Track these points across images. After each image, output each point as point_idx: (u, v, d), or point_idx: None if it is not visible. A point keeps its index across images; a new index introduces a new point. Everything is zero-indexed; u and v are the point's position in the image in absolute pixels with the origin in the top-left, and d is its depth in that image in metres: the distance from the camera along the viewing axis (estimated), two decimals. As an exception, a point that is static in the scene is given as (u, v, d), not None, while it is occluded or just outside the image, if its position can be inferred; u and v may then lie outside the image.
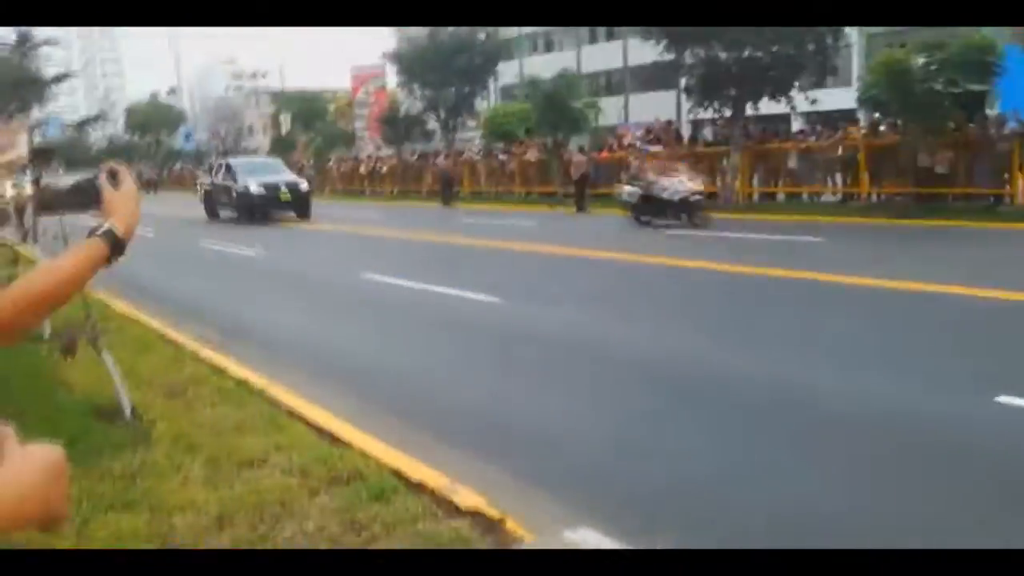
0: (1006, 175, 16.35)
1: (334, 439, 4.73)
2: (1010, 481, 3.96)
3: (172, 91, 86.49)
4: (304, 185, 23.30)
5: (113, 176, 1.50)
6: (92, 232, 1.46)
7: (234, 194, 22.59)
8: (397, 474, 4.12)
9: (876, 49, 28.14)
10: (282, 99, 58.82)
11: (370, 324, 8.74)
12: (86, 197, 1.52)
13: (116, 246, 1.45)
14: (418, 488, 3.98)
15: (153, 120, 65.54)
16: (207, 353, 7.04)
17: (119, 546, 3.42)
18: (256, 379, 6.06)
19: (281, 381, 6.06)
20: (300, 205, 22.43)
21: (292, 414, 5.22)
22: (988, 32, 21.27)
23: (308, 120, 50.08)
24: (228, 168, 23.96)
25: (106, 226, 1.45)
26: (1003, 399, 4.93)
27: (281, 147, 52.42)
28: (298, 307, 9.87)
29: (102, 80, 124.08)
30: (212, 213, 24.32)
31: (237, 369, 6.42)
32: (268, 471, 4.24)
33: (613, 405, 5.54)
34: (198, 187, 27.12)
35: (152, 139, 63.26)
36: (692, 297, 9.48)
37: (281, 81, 65.04)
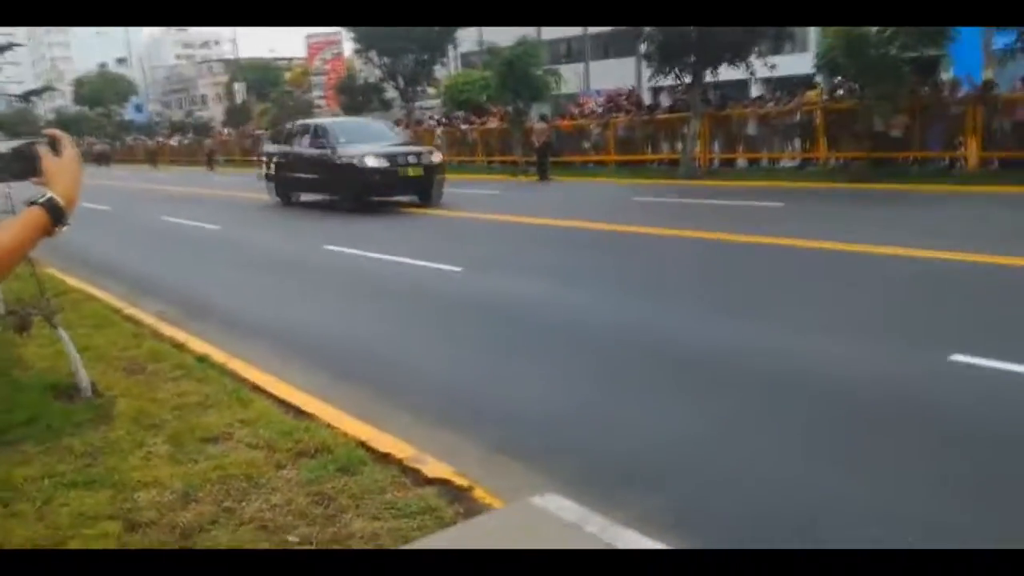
0: (960, 139, 16.64)
1: (299, 412, 4.71)
2: (962, 438, 4.06)
3: (121, 61, 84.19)
4: (437, 157, 16.95)
5: (54, 144, 1.46)
6: (32, 201, 1.41)
7: (333, 169, 16.14)
8: (363, 446, 4.12)
9: (833, 14, 28.27)
10: (236, 68, 57.68)
11: (332, 295, 8.67)
12: (27, 164, 1.47)
13: (57, 215, 1.41)
14: (385, 459, 3.98)
15: (103, 91, 63.94)
16: (167, 328, 6.94)
17: (82, 526, 3.38)
18: (218, 354, 6.00)
19: (244, 355, 6.00)
20: (427, 185, 16.11)
21: (256, 388, 5.18)
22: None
23: (263, 89, 49.27)
24: (316, 132, 17.34)
25: (47, 195, 1.41)
26: (958, 358, 5.06)
27: (236, 117, 51.51)
28: (260, 279, 9.75)
29: (48, 50, 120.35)
30: (285, 194, 18.27)
31: (198, 344, 6.34)
32: (233, 446, 4.21)
33: (573, 369, 5.57)
34: (262, 160, 19.70)
35: (103, 111, 61.65)
36: (653, 264, 9.54)
37: (235, 50, 63.68)
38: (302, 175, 17.39)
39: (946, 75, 19.96)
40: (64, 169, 1.45)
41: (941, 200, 13.40)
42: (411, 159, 15.99)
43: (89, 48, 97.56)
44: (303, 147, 17.40)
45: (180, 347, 6.24)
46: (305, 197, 17.97)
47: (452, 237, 12.57)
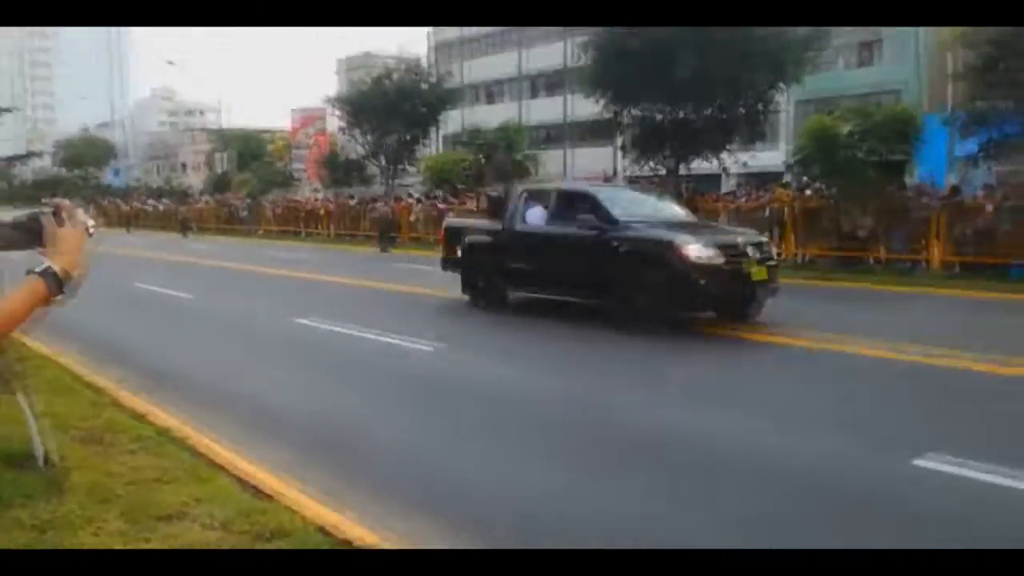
0: (924, 241, 17.10)
1: (258, 492, 4.61)
2: (916, 540, 4.06)
3: (104, 125, 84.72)
4: (774, 250, 11.97)
5: (58, 214, 1.47)
6: (31, 270, 1.41)
7: (615, 260, 10.29)
8: (323, 531, 4.02)
9: (805, 115, 29.38)
10: (219, 137, 58.25)
11: (302, 371, 8.58)
12: (30, 235, 1.47)
13: (56, 285, 1.41)
14: (347, 546, 3.88)
15: (84, 154, 64.02)
16: (127, 398, 6.81)
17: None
18: (179, 427, 5.89)
19: (206, 430, 5.89)
20: (762, 291, 10.46)
21: (215, 465, 5.07)
22: (909, 104, 22.45)
23: (245, 159, 49.65)
24: (570, 199, 11.49)
25: (46, 264, 1.42)
26: (922, 462, 5.09)
27: (216, 185, 51.76)
28: (228, 352, 9.64)
29: (32, 112, 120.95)
30: (493, 291, 12.11)
31: (158, 415, 6.22)
32: (187, 525, 4.09)
33: (552, 452, 5.52)
34: (446, 241, 13.49)
35: (81, 173, 61.65)
36: (619, 354, 9.58)
37: (219, 120, 64.48)
38: (539, 265, 11.60)
39: (910, 178, 20.67)
40: (66, 240, 1.45)
41: (905, 300, 13.68)
42: (752, 251, 10.27)
43: (73, 111, 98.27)
44: (536, 221, 11.71)
45: (140, 418, 6.12)
46: (524, 288, 12.24)
47: (430, 315, 12.55)
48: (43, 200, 1.52)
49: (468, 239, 12.73)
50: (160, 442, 5.47)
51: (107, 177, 66.04)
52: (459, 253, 12.81)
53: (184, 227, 38.78)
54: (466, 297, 12.52)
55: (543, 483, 5.03)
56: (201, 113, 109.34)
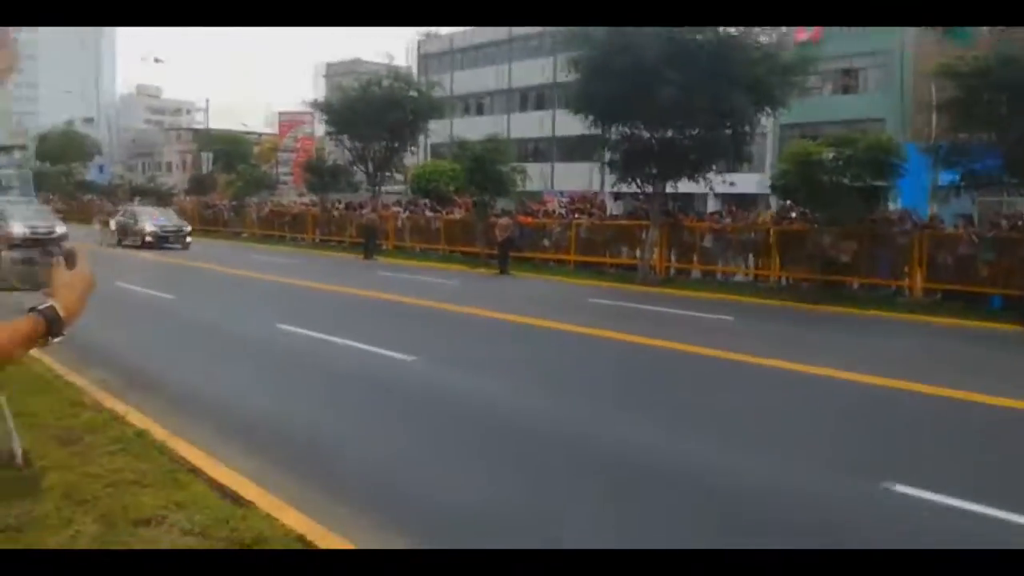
0: (905, 268, 17.29)
1: (237, 499, 4.58)
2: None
3: (88, 121, 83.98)
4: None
5: (70, 259, 1.48)
6: (34, 307, 1.42)
7: None
8: (302, 540, 4.01)
9: (789, 139, 29.70)
10: (205, 138, 57.91)
11: (284, 377, 8.54)
12: (39, 275, 1.49)
13: (54, 326, 1.41)
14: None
15: (66, 149, 63.33)
16: (107, 398, 6.75)
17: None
18: (157, 429, 5.84)
19: (184, 432, 5.85)
20: None
21: (194, 470, 5.04)
22: (892, 132, 22.74)
23: (230, 161, 49.33)
24: None
25: (48, 303, 1.42)
26: (893, 486, 5.14)
27: (200, 186, 51.40)
28: (209, 355, 9.58)
29: (15, 104, 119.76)
30: None
31: (137, 417, 6.17)
32: (166, 530, 4.07)
33: (520, 469, 5.53)
34: None
35: (63, 168, 61.01)
36: (601, 369, 9.61)
37: (205, 120, 64.11)
38: None
39: (893, 205, 20.90)
40: (72, 284, 1.46)
41: (886, 326, 13.82)
42: None
43: (56, 105, 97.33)
44: None
45: (119, 419, 6.06)
46: None
47: (412, 325, 12.55)
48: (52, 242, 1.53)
49: None
50: (139, 444, 5.43)
51: (91, 173, 65.37)
52: None
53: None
54: None
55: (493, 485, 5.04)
56: (187, 112, 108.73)
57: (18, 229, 21.41)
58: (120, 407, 6.47)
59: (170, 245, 27.78)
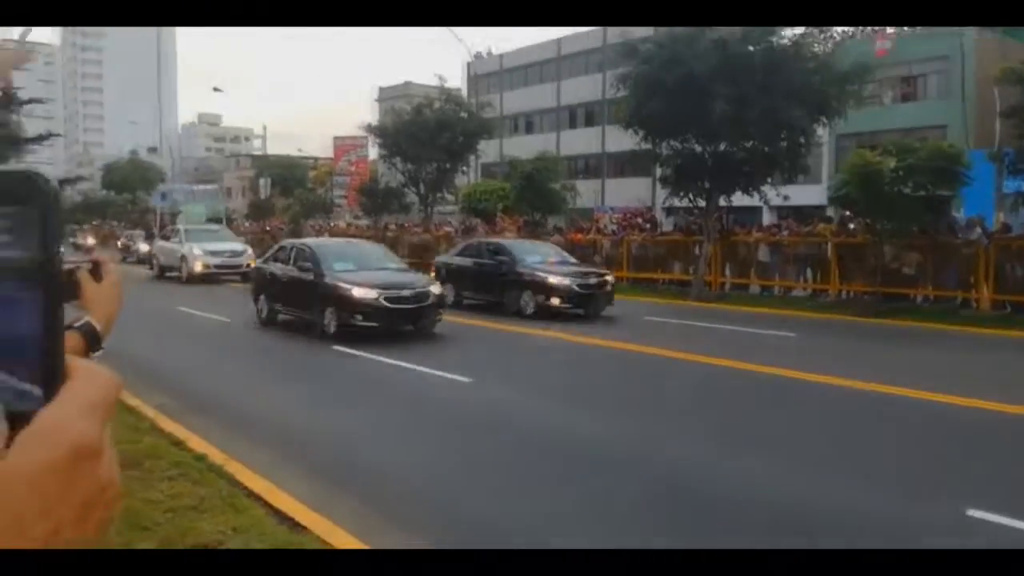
0: (972, 279, 16.70)
1: (295, 524, 4.58)
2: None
3: (152, 150, 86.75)
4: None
5: (97, 269, 1.45)
6: (70, 325, 1.40)
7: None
8: (358, 566, 3.98)
9: (846, 149, 29.09)
10: (263, 163, 59.24)
11: (343, 397, 8.59)
12: (68, 288, 1.46)
13: (93, 341, 1.39)
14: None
15: (131, 178, 65.48)
16: (167, 423, 6.86)
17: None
18: (217, 455, 5.90)
19: (245, 459, 5.90)
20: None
21: (252, 495, 5.06)
22: (955, 140, 22.11)
23: (288, 186, 50.37)
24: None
25: (84, 319, 1.40)
26: (975, 513, 4.90)
27: (259, 211, 52.55)
28: (268, 376, 9.69)
29: (83, 135, 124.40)
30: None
31: (197, 442, 6.24)
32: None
33: (584, 493, 5.43)
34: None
35: (129, 196, 63.06)
36: (663, 388, 9.45)
37: (264, 146, 65.63)
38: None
39: (958, 214, 20.22)
40: (104, 295, 1.44)
41: (953, 340, 13.34)
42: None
43: (121, 135, 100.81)
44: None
45: (179, 444, 6.14)
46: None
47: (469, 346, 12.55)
48: (79, 243, 1.51)
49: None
50: (198, 469, 5.48)
51: (154, 200, 67.40)
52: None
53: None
54: None
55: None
56: (246, 139, 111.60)
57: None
58: (180, 431, 6.56)
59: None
